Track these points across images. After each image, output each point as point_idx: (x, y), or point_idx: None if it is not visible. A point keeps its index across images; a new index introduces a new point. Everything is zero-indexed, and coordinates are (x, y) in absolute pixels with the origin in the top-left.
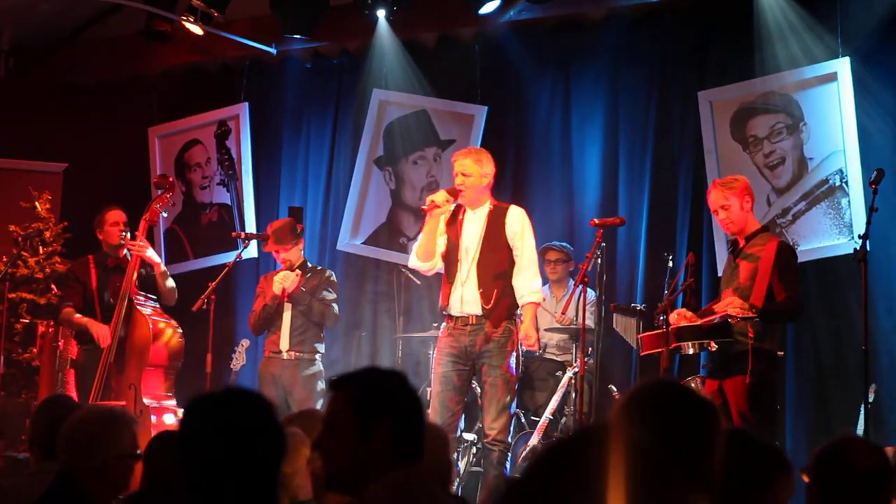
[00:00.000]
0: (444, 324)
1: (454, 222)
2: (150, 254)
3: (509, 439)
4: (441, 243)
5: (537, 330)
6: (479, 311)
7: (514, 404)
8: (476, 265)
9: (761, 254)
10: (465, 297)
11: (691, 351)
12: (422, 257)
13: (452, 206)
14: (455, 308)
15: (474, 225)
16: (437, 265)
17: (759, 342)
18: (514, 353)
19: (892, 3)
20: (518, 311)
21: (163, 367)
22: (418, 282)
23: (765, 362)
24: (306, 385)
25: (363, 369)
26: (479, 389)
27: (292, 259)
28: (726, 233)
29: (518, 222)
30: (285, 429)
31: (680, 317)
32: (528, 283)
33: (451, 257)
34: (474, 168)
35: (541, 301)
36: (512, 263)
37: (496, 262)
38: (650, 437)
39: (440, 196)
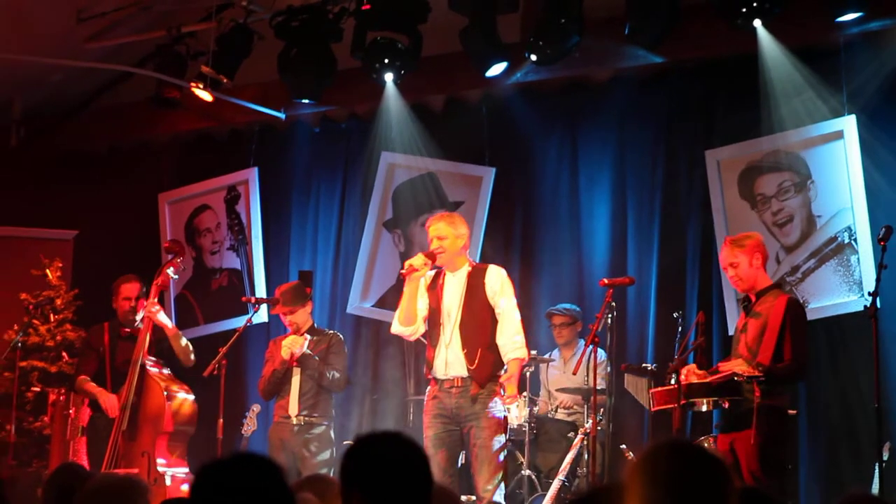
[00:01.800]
0: (429, 387)
1: (434, 286)
2: (162, 318)
3: (503, 500)
4: (422, 307)
5: (518, 386)
6: (464, 373)
7: (503, 457)
8: (459, 327)
9: (770, 311)
10: (450, 360)
11: (704, 408)
12: (403, 322)
13: (431, 271)
14: (440, 371)
15: (454, 287)
16: (419, 329)
17: (767, 399)
18: (504, 417)
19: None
20: (503, 370)
21: (176, 433)
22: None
23: (774, 420)
24: (316, 450)
25: (359, 436)
26: (468, 451)
27: (300, 322)
28: (736, 290)
29: (497, 281)
30: (296, 494)
31: (689, 373)
32: (511, 339)
33: (433, 321)
34: (448, 230)
35: (525, 357)
36: (494, 322)
37: (479, 323)
38: (664, 498)
39: (418, 260)
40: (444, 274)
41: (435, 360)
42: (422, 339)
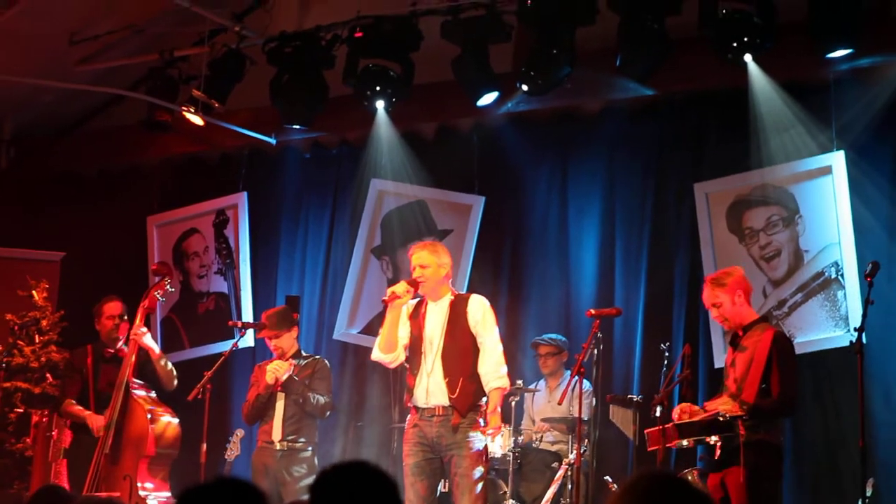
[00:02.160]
0: (409, 416)
1: (416, 315)
2: (148, 340)
3: None
4: (403, 335)
5: (500, 417)
6: (445, 402)
7: (480, 488)
8: (441, 356)
9: (757, 345)
10: (431, 389)
11: (685, 444)
12: (384, 349)
13: (413, 299)
14: (421, 399)
15: (436, 316)
16: (400, 357)
17: (755, 435)
18: (483, 448)
19: (885, 98)
20: (484, 399)
21: (159, 456)
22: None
23: (764, 455)
24: (299, 476)
25: (325, 467)
26: (449, 481)
27: (284, 347)
28: (723, 328)
29: (479, 310)
30: None
31: (682, 412)
32: (493, 369)
33: (415, 349)
34: (431, 259)
35: (507, 387)
36: (476, 352)
37: (461, 352)
38: None
39: (401, 287)
40: (427, 303)
41: (416, 389)
42: (405, 364)
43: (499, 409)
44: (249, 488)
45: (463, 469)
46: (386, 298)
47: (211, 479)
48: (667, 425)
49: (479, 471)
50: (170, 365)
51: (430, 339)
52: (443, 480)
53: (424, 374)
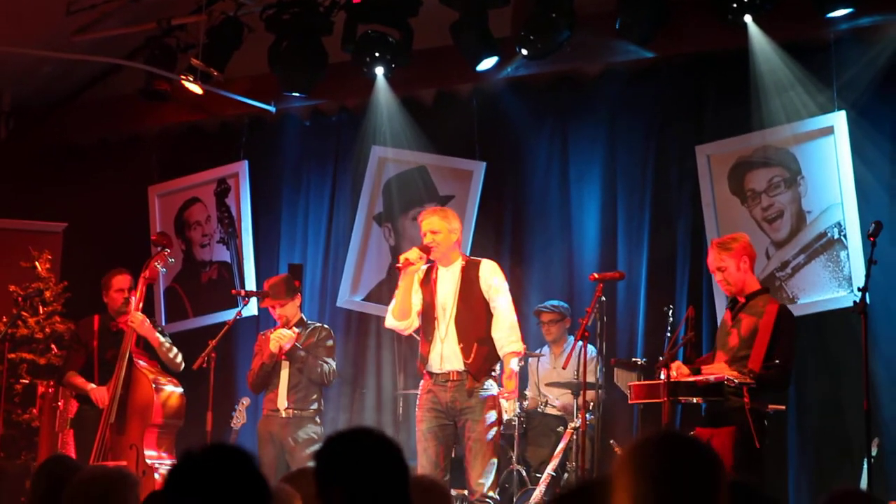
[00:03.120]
0: (423, 381)
1: (428, 281)
2: (146, 328)
3: (497, 495)
4: (416, 301)
5: (517, 381)
6: (460, 367)
7: (495, 461)
8: (454, 321)
9: (762, 316)
10: (445, 354)
11: (695, 400)
12: (398, 316)
13: (425, 264)
14: (435, 365)
15: (448, 282)
16: (414, 324)
17: (753, 402)
18: (497, 407)
19: (886, 57)
20: (498, 364)
21: (164, 426)
22: (418, 338)
23: (754, 420)
24: (305, 443)
25: (331, 434)
26: (463, 445)
27: (288, 315)
28: (725, 293)
29: (491, 275)
30: (278, 485)
31: (679, 369)
32: (506, 333)
33: (427, 315)
34: (442, 224)
35: (521, 350)
36: (490, 316)
37: (474, 317)
38: (652, 490)
39: (413, 253)
40: (438, 268)
41: (430, 355)
42: (414, 334)
43: (514, 374)
44: (239, 452)
45: (477, 433)
46: (399, 265)
47: (201, 447)
48: (659, 380)
49: (492, 434)
50: (174, 351)
51: (443, 304)
52: (455, 446)
53: (438, 339)
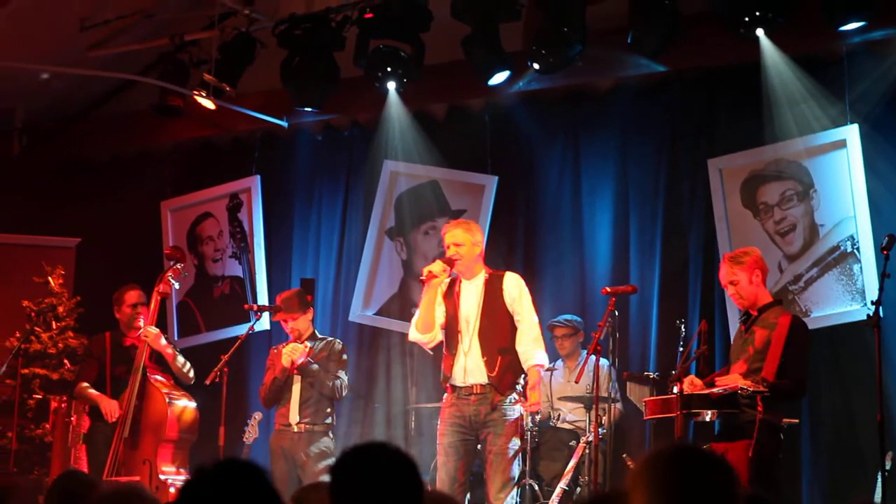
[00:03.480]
0: (445, 395)
1: (451, 294)
2: (160, 342)
3: None
4: (439, 314)
5: (541, 394)
6: (483, 381)
7: (517, 473)
8: (478, 335)
9: (775, 327)
10: (469, 368)
11: (708, 418)
12: (421, 329)
13: (449, 277)
14: (458, 378)
15: (472, 295)
16: (437, 337)
17: (765, 413)
18: (519, 422)
19: None
20: (522, 377)
21: (178, 441)
22: (430, 352)
23: (766, 433)
24: (317, 458)
25: (346, 449)
26: (483, 459)
27: (301, 328)
28: (738, 306)
29: (515, 288)
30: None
31: (691, 385)
32: (531, 346)
33: (451, 329)
34: (465, 237)
35: (545, 363)
36: (514, 329)
37: (498, 330)
38: (667, 503)
39: (437, 266)
40: (461, 281)
41: (453, 368)
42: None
43: (539, 386)
44: (251, 467)
45: (498, 447)
46: (423, 278)
47: (213, 462)
48: (672, 394)
49: (513, 449)
50: (188, 366)
51: (467, 317)
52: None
53: (462, 353)
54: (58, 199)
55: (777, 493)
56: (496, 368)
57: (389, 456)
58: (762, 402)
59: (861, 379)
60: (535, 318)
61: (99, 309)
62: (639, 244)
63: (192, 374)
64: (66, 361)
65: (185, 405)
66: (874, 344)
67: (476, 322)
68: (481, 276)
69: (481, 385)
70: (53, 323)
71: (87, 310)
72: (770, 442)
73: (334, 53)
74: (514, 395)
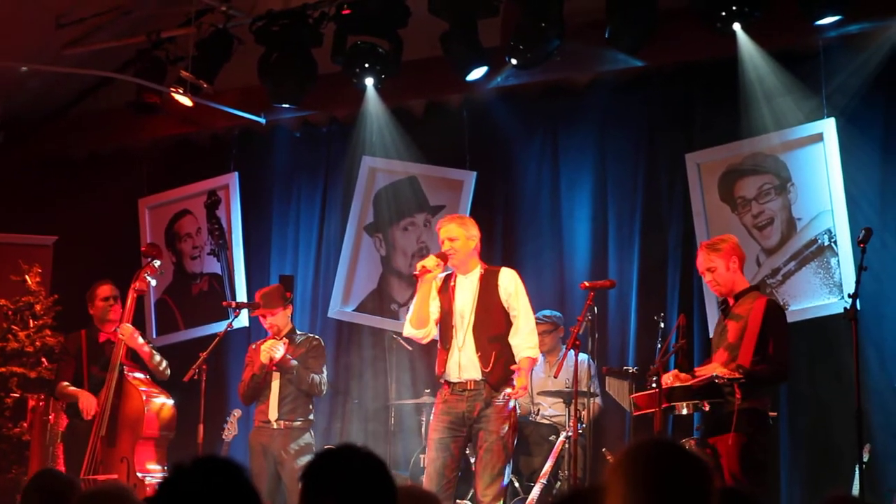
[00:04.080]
0: (439, 390)
1: (446, 289)
2: (136, 340)
3: None
4: (434, 310)
5: (528, 381)
6: (477, 376)
7: (508, 470)
8: (472, 330)
9: (749, 313)
10: (463, 363)
11: (685, 411)
12: (416, 325)
13: (443, 272)
14: (453, 374)
15: (467, 290)
16: (432, 332)
17: (747, 402)
18: (512, 418)
19: (874, 64)
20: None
21: (155, 438)
22: (409, 348)
23: (754, 422)
24: (296, 454)
25: (321, 452)
26: (473, 454)
27: (279, 324)
28: (715, 294)
29: (511, 283)
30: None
31: (673, 378)
32: (525, 339)
33: (445, 324)
34: (460, 231)
35: (537, 357)
36: (508, 325)
37: (492, 325)
38: (644, 497)
39: (431, 261)
40: (456, 276)
41: (448, 363)
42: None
43: (527, 373)
44: (229, 464)
45: (489, 443)
46: (416, 273)
47: (192, 459)
48: (658, 389)
49: (504, 445)
50: (164, 363)
51: (461, 312)
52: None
53: (456, 348)
54: (35, 197)
55: (768, 483)
56: (490, 363)
57: (357, 458)
58: (740, 389)
59: (839, 372)
60: (531, 314)
61: (76, 307)
62: (617, 239)
63: (168, 371)
64: (43, 360)
65: (163, 402)
66: (852, 337)
67: (471, 317)
68: (476, 271)
69: (475, 381)
70: (31, 321)
71: (64, 308)
72: (756, 430)
73: (312, 50)
74: (508, 391)
